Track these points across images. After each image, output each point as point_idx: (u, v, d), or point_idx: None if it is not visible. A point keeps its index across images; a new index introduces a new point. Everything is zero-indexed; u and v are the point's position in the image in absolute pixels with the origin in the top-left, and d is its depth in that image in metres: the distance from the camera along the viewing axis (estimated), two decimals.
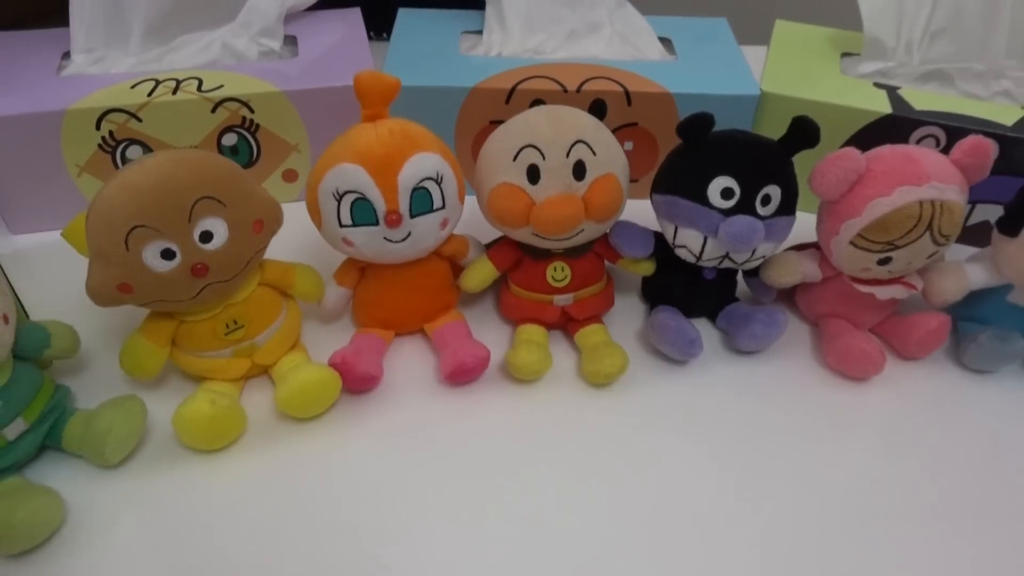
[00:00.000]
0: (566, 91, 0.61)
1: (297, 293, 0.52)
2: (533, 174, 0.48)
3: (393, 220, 0.47)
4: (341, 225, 0.48)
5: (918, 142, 0.60)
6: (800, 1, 0.86)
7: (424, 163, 0.47)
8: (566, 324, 0.55)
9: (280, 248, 0.50)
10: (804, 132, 0.49)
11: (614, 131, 0.63)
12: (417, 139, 0.48)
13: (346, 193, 0.47)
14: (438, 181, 0.48)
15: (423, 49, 0.66)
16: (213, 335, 0.48)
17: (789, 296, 0.58)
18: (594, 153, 0.48)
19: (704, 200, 0.49)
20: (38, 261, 0.59)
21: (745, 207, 0.48)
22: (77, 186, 0.60)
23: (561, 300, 0.54)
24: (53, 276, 0.53)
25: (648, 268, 0.55)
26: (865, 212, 0.48)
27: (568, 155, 0.48)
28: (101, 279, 0.43)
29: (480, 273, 0.54)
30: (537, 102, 0.62)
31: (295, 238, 0.51)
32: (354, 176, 0.46)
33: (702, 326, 0.56)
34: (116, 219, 0.41)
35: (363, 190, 0.47)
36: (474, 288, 0.54)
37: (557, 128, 0.48)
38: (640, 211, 0.53)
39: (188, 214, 0.43)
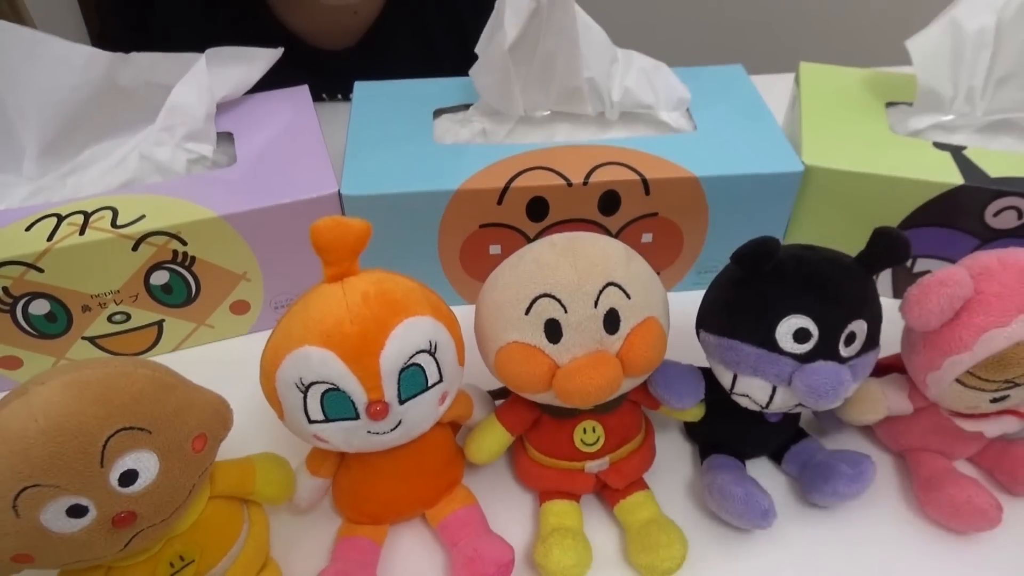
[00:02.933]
0: (571, 184, 0.50)
1: (260, 498, 0.40)
2: (553, 331, 0.37)
3: (377, 412, 0.36)
4: (310, 421, 0.37)
5: (996, 215, 0.50)
6: (808, 23, 0.75)
7: (412, 333, 0.36)
8: (601, 489, 0.45)
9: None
10: (891, 249, 0.39)
11: (631, 223, 0.53)
12: (399, 300, 0.37)
13: (313, 384, 0.36)
14: (432, 352, 0.37)
15: (389, 138, 0.54)
16: None
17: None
18: (628, 296, 0.38)
19: (772, 345, 0.38)
20: None
21: (825, 351, 0.38)
22: None
23: (594, 467, 0.43)
24: None
25: (697, 414, 0.44)
26: (976, 347, 0.38)
27: (596, 304, 0.37)
28: None
29: (490, 442, 0.43)
30: (537, 200, 0.50)
31: (248, 392, 0.39)
32: (321, 364, 0.35)
33: (763, 468, 0.46)
34: None
35: (335, 380, 0.35)
36: (484, 461, 0.43)
37: (580, 270, 0.37)
38: None
39: (99, 457, 0.31)
